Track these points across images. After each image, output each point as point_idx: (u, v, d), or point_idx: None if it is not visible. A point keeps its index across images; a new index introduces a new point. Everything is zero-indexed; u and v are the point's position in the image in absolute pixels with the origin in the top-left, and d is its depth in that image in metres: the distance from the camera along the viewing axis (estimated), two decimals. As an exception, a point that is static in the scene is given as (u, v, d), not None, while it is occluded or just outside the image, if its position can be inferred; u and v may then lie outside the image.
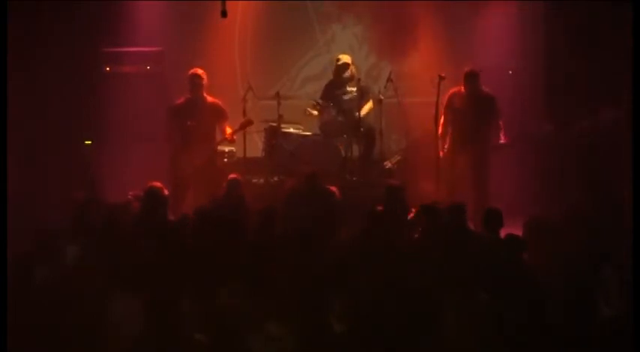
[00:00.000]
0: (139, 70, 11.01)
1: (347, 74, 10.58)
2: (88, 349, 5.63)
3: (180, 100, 10.07)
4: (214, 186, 9.56)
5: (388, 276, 6.15)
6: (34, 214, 9.52)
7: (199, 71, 10.01)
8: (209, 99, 10.05)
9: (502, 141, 9.93)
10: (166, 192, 8.39)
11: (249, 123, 10.08)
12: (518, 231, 7.13)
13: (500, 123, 9.92)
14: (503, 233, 7.21)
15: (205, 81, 9.97)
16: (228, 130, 10.09)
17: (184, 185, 9.87)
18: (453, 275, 6.19)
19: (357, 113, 10.45)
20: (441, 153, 9.90)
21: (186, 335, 5.52)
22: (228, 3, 8.08)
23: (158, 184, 8.35)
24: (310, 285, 6.05)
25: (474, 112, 9.85)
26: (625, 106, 9.29)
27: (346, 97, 10.54)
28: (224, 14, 8.04)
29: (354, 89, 10.51)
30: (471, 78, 9.87)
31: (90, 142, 10.91)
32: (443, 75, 9.82)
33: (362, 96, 10.49)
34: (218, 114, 10.05)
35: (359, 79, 10.64)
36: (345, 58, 10.67)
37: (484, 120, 9.85)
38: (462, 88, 9.94)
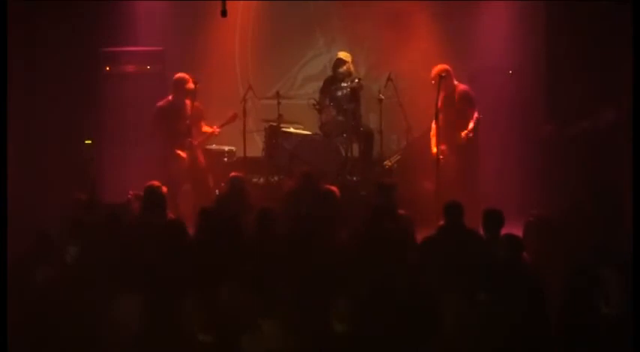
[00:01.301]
0: (139, 70, 11.02)
1: (342, 69, 10.64)
2: (88, 349, 5.63)
3: (163, 103, 10.19)
4: (202, 183, 9.70)
5: (387, 276, 6.15)
6: (34, 214, 9.52)
7: (184, 76, 10.13)
8: (187, 101, 10.20)
9: (463, 134, 9.92)
10: (165, 189, 8.45)
11: (234, 117, 10.22)
12: (519, 231, 7.12)
13: (475, 114, 9.98)
14: (503, 233, 7.19)
15: (190, 86, 10.08)
16: (206, 128, 10.27)
17: (176, 183, 9.91)
18: (452, 275, 6.18)
19: (357, 113, 10.51)
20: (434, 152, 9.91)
21: (187, 335, 5.52)
22: (228, 3, 8.06)
23: (156, 183, 8.39)
24: (310, 285, 6.05)
25: (452, 110, 9.93)
26: (625, 106, 9.29)
27: (339, 93, 10.58)
28: (224, 14, 8.03)
29: (347, 85, 10.54)
30: (443, 79, 9.85)
31: (90, 142, 10.91)
32: (443, 74, 9.84)
33: (354, 95, 10.53)
34: (198, 114, 10.29)
35: (359, 79, 10.65)
36: (342, 55, 10.73)
37: (463, 115, 9.89)
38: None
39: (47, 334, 5.69)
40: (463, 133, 9.93)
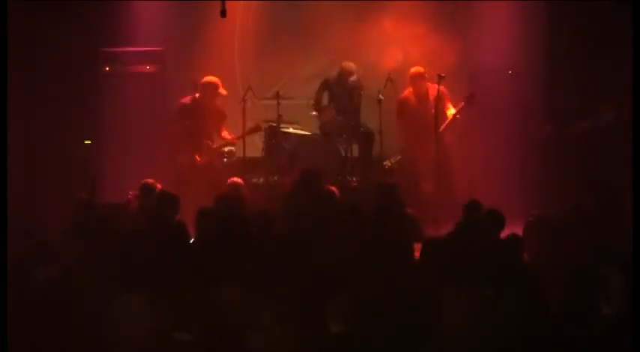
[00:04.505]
0: (139, 70, 11.03)
1: (352, 79, 10.66)
2: (88, 349, 5.63)
3: (187, 100, 10.25)
4: (215, 186, 9.69)
5: (388, 276, 6.15)
6: (34, 214, 9.53)
7: (217, 81, 10.28)
8: (213, 103, 10.27)
9: (448, 119, 10.12)
10: (159, 186, 8.50)
11: (257, 129, 10.28)
12: (519, 231, 7.13)
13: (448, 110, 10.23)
14: (504, 233, 7.20)
15: (222, 91, 10.24)
16: (226, 133, 10.25)
17: (184, 184, 9.92)
18: (458, 275, 6.18)
19: (357, 113, 10.54)
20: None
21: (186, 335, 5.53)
22: (228, 3, 8.06)
23: (150, 180, 8.49)
24: (310, 286, 6.05)
25: (426, 110, 10.10)
26: (625, 106, 9.29)
27: (339, 93, 10.63)
28: (223, 14, 8.03)
29: (347, 85, 10.59)
30: (416, 78, 10.30)
31: (90, 142, 10.92)
32: (443, 75, 9.88)
33: (354, 95, 10.56)
34: (220, 116, 10.30)
35: (358, 79, 10.66)
36: (349, 66, 10.73)
37: (437, 114, 9.97)
38: (411, 89, 10.40)
39: (47, 334, 5.69)
40: (452, 114, 10.19)
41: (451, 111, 10.29)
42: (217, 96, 10.35)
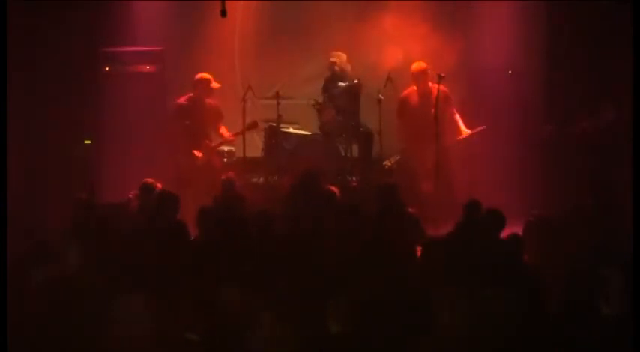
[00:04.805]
0: (139, 70, 11.04)
1: (335, 68, 10.71)
2: (88, 349, 5.63)
3: (183, 100, 10.29)
4: (215, 186, 9.71)
5: (388, 276, 6.15)
6: (34, 214, 9.53)
7: (209, 76, 10.29)
8: (208, 100, 10.23)
9: (462, 136, 10.28)
10: (159, 186, 8.51)
11: (254, 125, 10.26)
12: (519, 231, 7.12)
13: (456, 116, 10.33)
14: (505, 232, 7.20)
15: (215, 85, 10.22)
16: (224, 130, 10.24)
17: (184, 184, 9.93)
18: (459, 274, 6.18)
19: (357, 113, 10.54)
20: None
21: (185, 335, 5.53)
22: (227, 3, 8.07)
23: (150, 180, 8.51)
24: (309, 286, 6.05)
25: (427, 110, 10.08)
26: (625, 106, 9.29)
27: (339, 93, 10.62)
28: (224, 14, 8.03)
29: (347, 85, 10.57)
30: (420, 75, 10.27)
31: (90, 142, 10.93)
32: (443, 74, 9.88)
33: (354, 95, 10.55)
34: (217, 115, 10.31)
35: (358, 79, 10.65)
36: (335, 54, 10.77)
37: (439, 116, 9.94)
38: (414, 87, 10.39)
39: (47, 334, 5.69)
40: (462, 134, 10.26)
41: (462, 126, 10.30)
42: (211, 92, 10.36)
